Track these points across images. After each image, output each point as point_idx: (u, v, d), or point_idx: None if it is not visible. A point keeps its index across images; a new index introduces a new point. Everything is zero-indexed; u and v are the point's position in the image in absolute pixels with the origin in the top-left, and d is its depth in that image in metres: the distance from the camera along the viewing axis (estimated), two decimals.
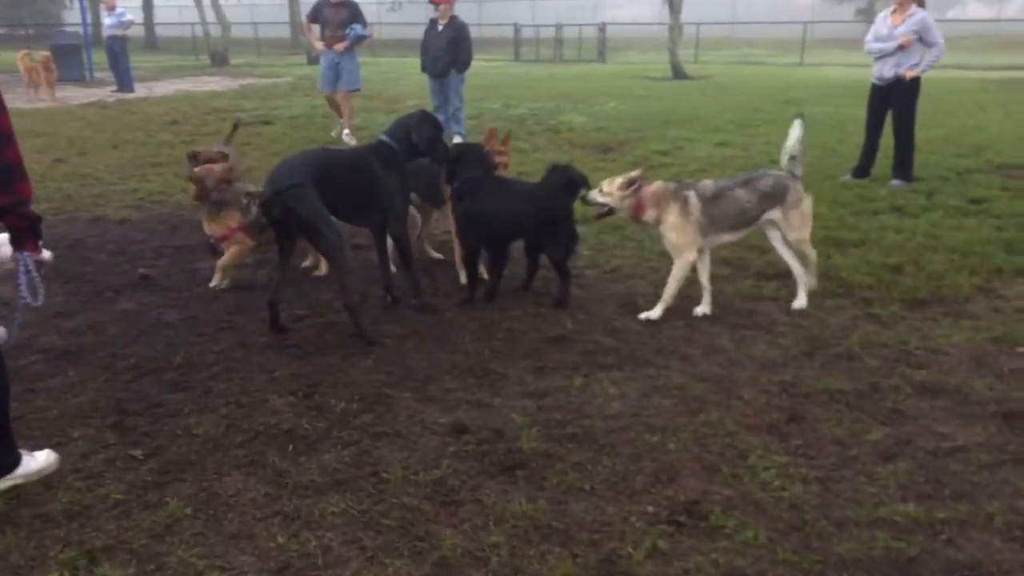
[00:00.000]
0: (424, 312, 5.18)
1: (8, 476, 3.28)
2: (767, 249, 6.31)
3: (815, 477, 3.33)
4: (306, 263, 6.11)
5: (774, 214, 5.12)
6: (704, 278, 5.20)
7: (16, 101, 16.73)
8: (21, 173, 2.90)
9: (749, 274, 5.96)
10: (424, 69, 12.31)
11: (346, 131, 12.12)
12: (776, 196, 5.09)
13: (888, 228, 6.94)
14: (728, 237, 5.20)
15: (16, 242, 3.11)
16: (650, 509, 3.13)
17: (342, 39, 11.88)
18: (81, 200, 8.48)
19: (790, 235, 5.14)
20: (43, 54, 18.96)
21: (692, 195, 5.00)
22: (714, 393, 4.07)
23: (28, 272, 3.22)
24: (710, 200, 4.99)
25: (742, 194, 5.05)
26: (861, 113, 15.05)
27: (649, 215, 5.07)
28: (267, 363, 4.49)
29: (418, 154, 5.27)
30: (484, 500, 3.20)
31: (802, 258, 5.24)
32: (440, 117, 12.23)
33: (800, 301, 5.23)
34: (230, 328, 5.03)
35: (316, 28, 12.30)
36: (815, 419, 3.80)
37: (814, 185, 8.59)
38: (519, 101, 17.11)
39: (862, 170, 8.95)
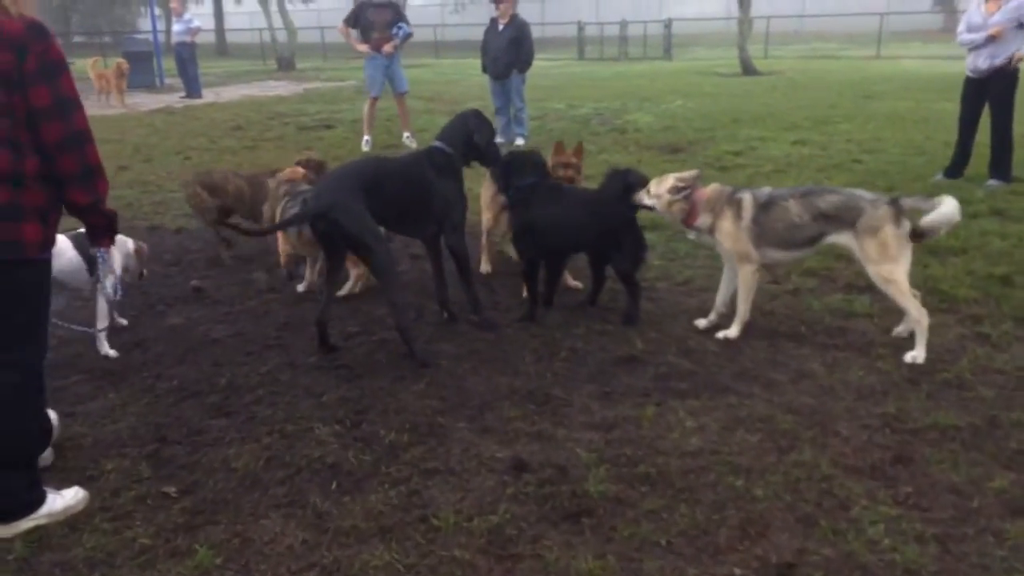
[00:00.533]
0: (486, 330, 4.83)
1: (31, 516, 3.04)
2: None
3: (931, 535, 2.86)
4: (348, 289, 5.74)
5: (842, 238, 4.36)
6: (721, 296, 4.71)
7: (87, 108, 16.96)
8: (101, 172, 2.98)
9: (838, 287, 5.45)
10: (485, 70, 12.00)
11: (407, 132, 11.85)
12: (842, 218, 4.30)
13: (991, 234, 6.33)
14: (778, 255, 4.54)
15: (94, 238, 3.24)
16: (737, 572, 2.71)
17: (389, 39, 11.42)
18: (140, 208, 8.38)
19: (868, 268, 4.32)
20: (118, 61, 19.27)
21: (747, 198, 4.53)
22: (806, 427, 3.62)
23: (105, 266, 3.67)
24: (762, 207, 4.47)
25: (794, 207, 4.39)
26: (946, 107, 14.32)
27: (703, 221, 4.62)
28: (314, 385, 4.20)
29: (477, 156, 4.93)
30: (545, 555, 2.82)
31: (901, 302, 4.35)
32: (501, 119, 12.00)
33: (903, 328, 4.58)
34: (278, 346, 4.75)
35: (355, 32, 11.67)
36: (925, 461, 3.32)
37: (904, 187, 8.04)
38: (583, 101, 16.68)
39: (955, 169, 8.30)
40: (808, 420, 3.68)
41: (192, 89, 19.68)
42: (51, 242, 2.96)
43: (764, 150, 10.59)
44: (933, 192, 7.59)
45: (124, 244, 4.83)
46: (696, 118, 13.66)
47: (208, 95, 20.00)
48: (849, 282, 5.48)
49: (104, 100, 18.43)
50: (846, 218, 4.30)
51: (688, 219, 4.66)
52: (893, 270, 4.21)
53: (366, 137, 11.55)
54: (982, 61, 7.74)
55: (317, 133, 13.31)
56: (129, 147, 12.14)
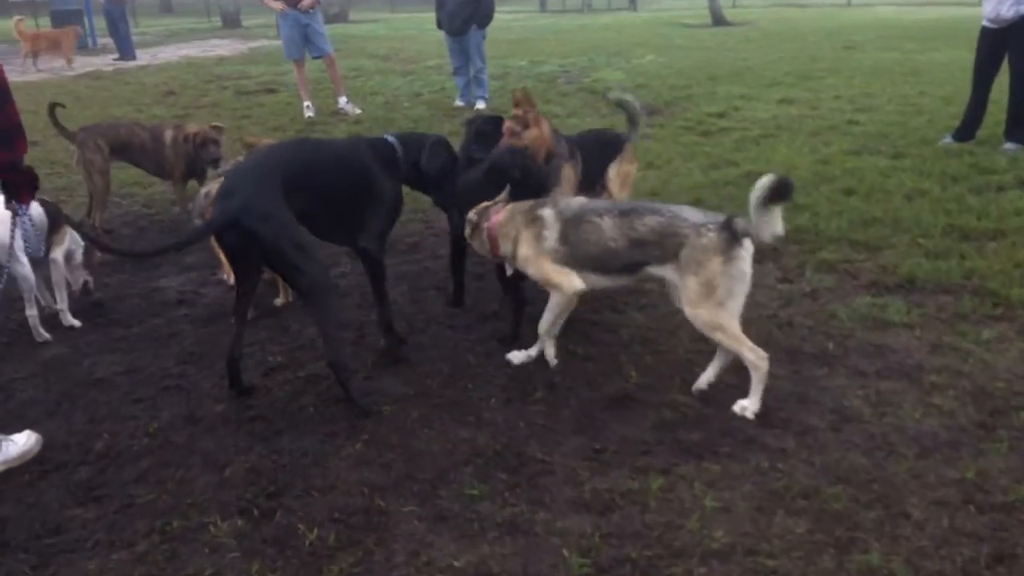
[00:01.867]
0: (390, 357, 3.92)
1: None
2: (879, 246, 4.93)
3: None
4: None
5: (664, 271, 3.41)
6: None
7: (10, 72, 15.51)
8: (20, 131, 2.98)
9: (861, 284, 4.56)
10: (440, 26, 10.85)
11: (343, 98, 10.63)
12: (663, 246, 3.36)
13: None
14: (599, 280, 3.61)
15: (14, 195, 3.13)
16: None
17: None
18: (40, 192, 7.22)
19: (686, 310, 3.35)
20: (73, 27, 17.93)
21: (549, 214, 3.63)
22: (864, 506, 2.73)
23: (24, 223, 3.50)
24: (569, 223, 3.57)
25: (608, 226, 3.46)
26: (933, 58, 13.45)
27: (505, 250, 3.73)
28: (217, 451, 3.23)
29: (418, 182, 4.02)
30: None
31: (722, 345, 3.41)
32: (460, 81, 10.89)
33: (706, 377, 3.53)
34: (178, 388, 3.76)
35: None
36: None
37: (909, 152, 7.18)
38: (547, 57, 15.55)
39: (966, 130, 7.41)
40: (865, 493, 2.79)
41: (124, 50, 18.19)
42: None
43: (748, 111, 9.64)
44: (946, 159, 6.83)
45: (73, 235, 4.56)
46: (670, 75, 12.64)
47: (143, 56, 18.51)
48: (875, 279, 4.59)
49: (31, 65, 16.93)
50: (667, 246, 3.35)
51: (493, 252, 3.79)
52: (718, 314, 3.29)
53: (307, 103, 10.38)
54: (1006, 8, 6.80)
55: (257, 98, 12.10)
56: (43, 119, 10.77)
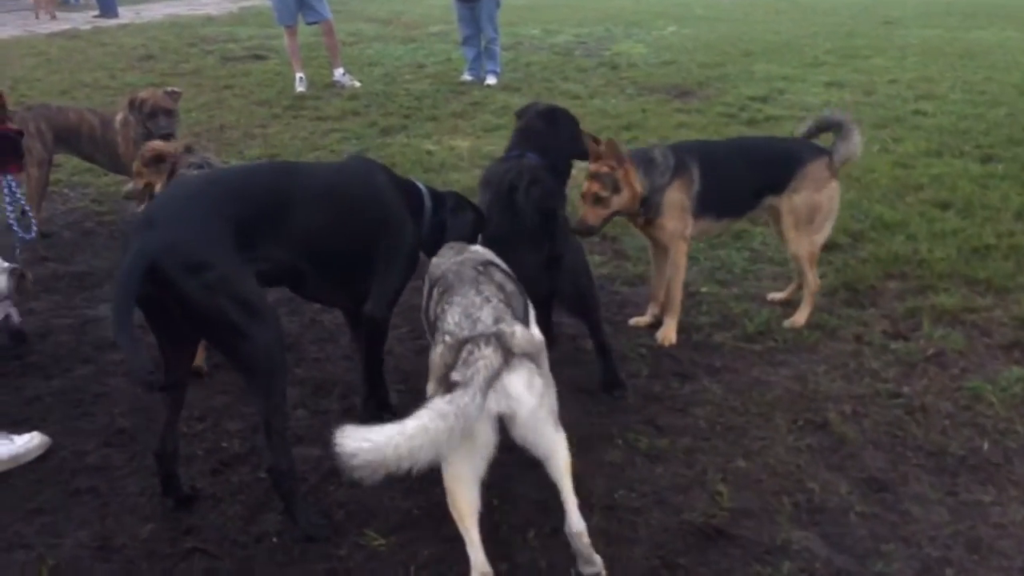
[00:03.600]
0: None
1: None
2: (1005, 286, 3.86)
3: None
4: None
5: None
6: None
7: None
8: None
9: (998, 345, 3.52)
10: None
11: (340, 70, 9.46)
12: None
13: None
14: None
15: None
16: None
17: None
18: None
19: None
20: None
21: None
22: None
23: (14, 197, 3.19)
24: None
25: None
26: (981, 37, 12.31)
27: None
28: None
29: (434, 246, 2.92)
30: None
31: None
32: (470, 52, 9.71)
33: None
34: (93, 493, 2.72)
35: None
36: None
37: (998, 154, 6.11)
38: (561, 26, 14.34)
39: None
40: None
41: (106, 7, 16.89)
42: None
43: (794, 95, 8.54)
44: None
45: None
46: (698, 50, 11.49)
47: (126, 14, 17.21)
48: (1014, 338, 3.56)
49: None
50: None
51: None
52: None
53: (299, 75, 9.23)
54: None
55: (244, 66, 10.95)
56: (6, 83, 9.70)
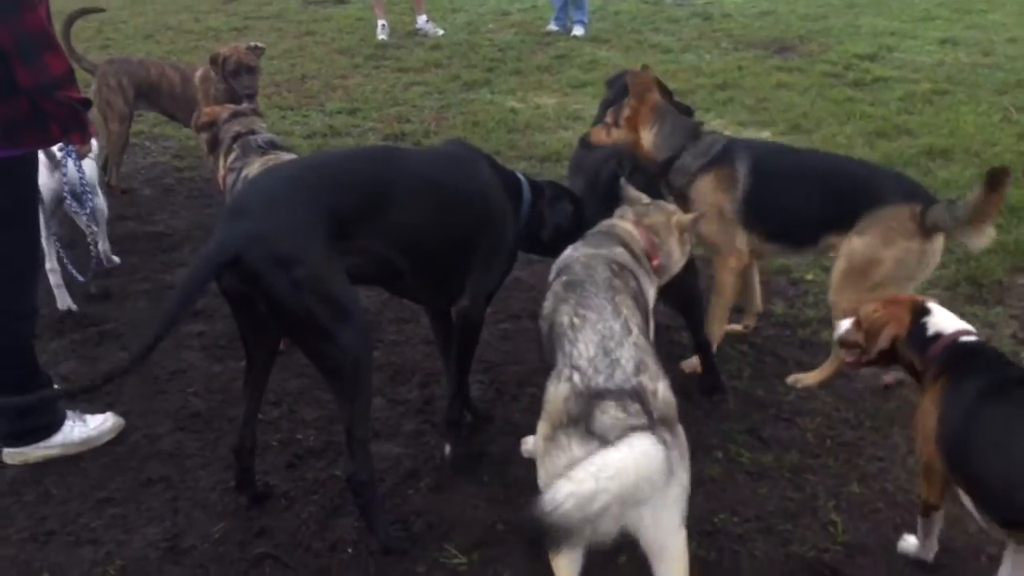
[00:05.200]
0: (461, 465, 2.67)
1: (42, 444, 2.68)
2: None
3: None
4: None
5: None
6: None
7: None
8: (48, 44, 2.35)
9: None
10: None
11: (423, 17, 9.17)
12: None
13: None
14: None
15: (60, 134, 2.52)
16: None
17: None
18: None
19: None
20: None
21: None
22: None
23: (79, 175, 2.88)
24: None
25: None
26: None
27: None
28: None
29: (531, 240, 2.75)
30: None
31: None
32: (556, 2, 9.34)
33: None
34: (165, 483, 2.63)
35: None
36: None
37: None
38: None
39: None
40: None
41: None
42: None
43: (905, 53, 7.92)
44: None
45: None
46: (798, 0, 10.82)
47: None
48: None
49: None
50: None
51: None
52: None
53: (381, 22, 8.99)
54: None
55: (325, 10, 10.76)
56: (91, 28, 9.72)
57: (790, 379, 3.05)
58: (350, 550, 2.33)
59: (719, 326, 3.12)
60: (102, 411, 2.86)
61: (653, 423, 1.67)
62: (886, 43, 8.29)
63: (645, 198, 2.52)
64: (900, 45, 8.24)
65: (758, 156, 2.97)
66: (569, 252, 2.24)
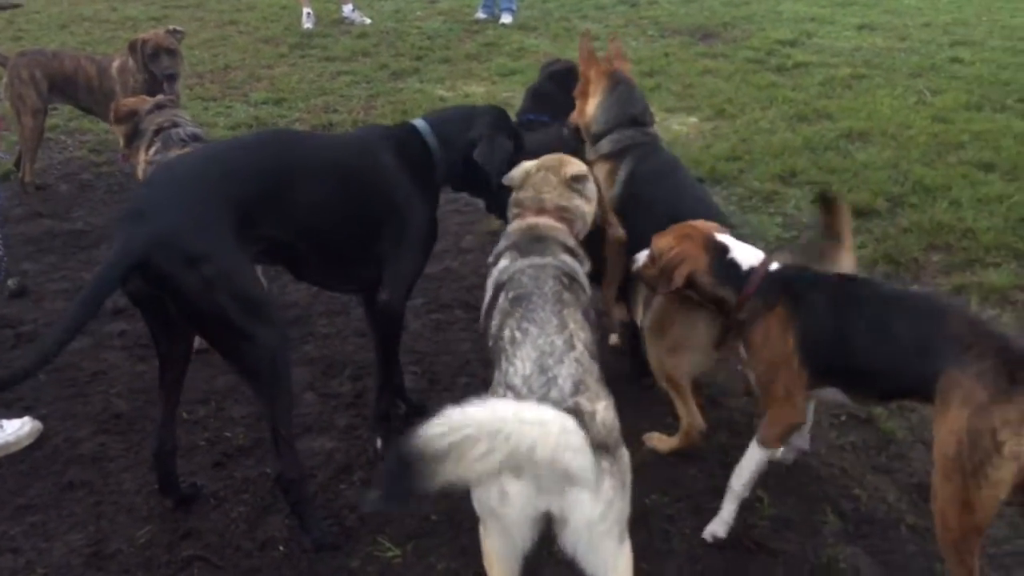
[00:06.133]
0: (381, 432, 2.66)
1: None
2: None
3: None
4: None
5: None
6: None
7: None
8: None
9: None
10: None
11: (349, 5, 9.01)
12: None
13: None
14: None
15: None
16: None
17: None
18: None
19: None
20: None
21: None
22: None
23: None
24: None
25: None
26: None
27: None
28: None
29: (468, 184, 2.70)
30: None
31: None
32: None
33: None
34: (87, 488, 2.55)
35: None
36: None
37: None
38: None
39: None
40: None
41: None
42: None
43: (824, 38, 8.12)
44: None
45: None
46: None
47: None
48: None
49: None
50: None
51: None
52: None
53: (307, 10, 8.82)
54: None
55: None
56: (1, 18, 9.32)
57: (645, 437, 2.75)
58: (282, 548, 2.31)
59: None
60: (19, 415, 2.76)
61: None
62: (806, 29, 8.49)
63: (516, 176, 2.39)
64: (820, 31, 8.44)
65: (639, 162, 2.80)
66: (509, 264, 2.10)
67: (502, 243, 2.21)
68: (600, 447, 1.57)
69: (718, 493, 2.47)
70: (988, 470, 1.78)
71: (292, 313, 3.51)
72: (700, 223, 2.35)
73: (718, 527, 2.32)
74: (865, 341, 2.04)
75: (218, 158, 2.28)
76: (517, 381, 1.67)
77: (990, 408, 1.79)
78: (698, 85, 6.57)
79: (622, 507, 1.64)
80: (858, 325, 2.06)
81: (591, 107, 2.92)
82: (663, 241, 2.29)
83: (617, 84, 2.91)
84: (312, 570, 2.24)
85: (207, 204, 2.07)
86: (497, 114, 2.72)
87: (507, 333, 1.81)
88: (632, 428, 2.74)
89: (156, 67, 4.38)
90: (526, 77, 6.85)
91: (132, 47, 4.44)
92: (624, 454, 1.68)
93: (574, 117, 3.02)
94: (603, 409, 1.65)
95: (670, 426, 2.77)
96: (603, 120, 2.89)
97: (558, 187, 2.32)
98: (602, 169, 2.82)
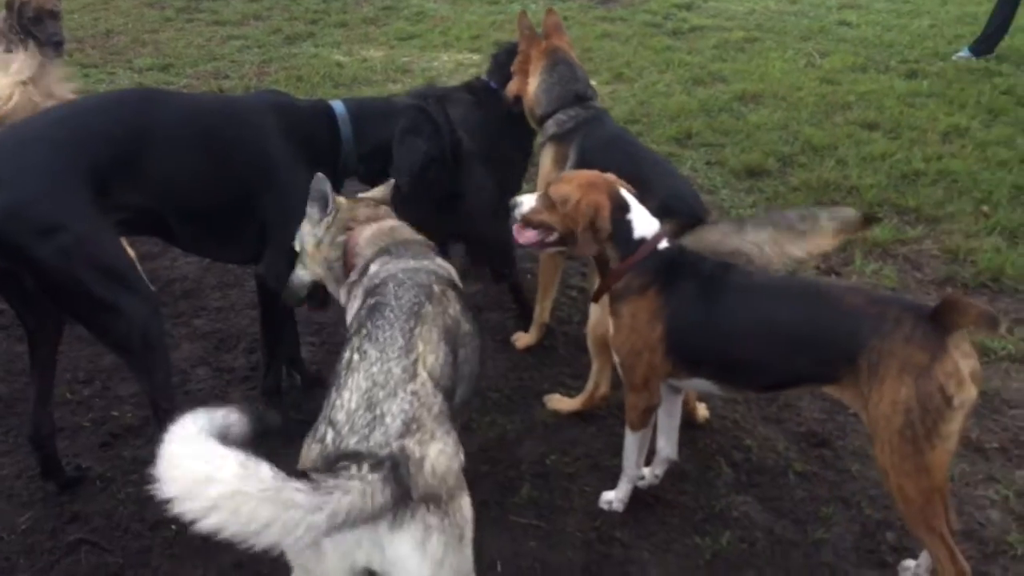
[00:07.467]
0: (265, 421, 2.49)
1: None
2: (935, 216, 3.76)
3: None
4: None
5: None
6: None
7: None
8: None
9: (930, 280, 3.46)
10: None
11: None
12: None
13: None
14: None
15: None
16: None
17: None
18: None
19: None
20: None
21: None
22: None
23: None
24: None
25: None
26: None
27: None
28: None
29: (375, 179, 2.46)
30: None
31: None
32: None
33: None
34: None
35: None
36: None
37: (924, 69, 6.02)
38: None
39: (987, 43, 6.28)
40: None
41: None
42: None
43: (719, 2, 8.24)
44: (975, 82, 5.72)
45: None
46: None
47: None
48: (947, 274, 3.50)
49: None
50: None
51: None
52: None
53: None
54: None
55: None
56: None
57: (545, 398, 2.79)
58: (174, 527, 2.23)
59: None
60: None
61: (405, 500, 1.38)
62: None
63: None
64: None
65: (586, 137, 2.77)
66: (379, 268, 1.91)
67: (367, 251, 1.98)
68: (427, 499, 1.41)
69: (616, 451, 2.51)
70: (940, 427, 1.77)
71: (182, 286, 3.39)
72: (606, 174, 2.19)
73: (616, 503, 2.32)
74: (745, 333, 1.97)
75: (68, 121, 2.12)
76: (340, 417, 1.48)
77: (932, 367, 1.76)
78: (597, 49, 6.59)
79: (458, 564, 1.47)
80: (737, 317, 1.98)
81: (532, 87, 2.90)
82: (565, 187, 2.12)
83: (557, 63, 2.89)
84: (205, 548, 2.17)
85: (56, 169, 1.96)
86: (415, 114, 2.56)
87: (347, 354, 1.62)
88: (533, 389, 2.79)
89: (40, 32, 4.10)
90: (425, 41, 6.76)
91: (9, 6, 4.14)
92: (463, 504, 1.50)
93: (511, 90, 3.01)
94: (435, 454, 1.46)
95: (570, 387, 2.80)
96: (546, 101, 2.86)
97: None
98: (551, 152, 2.79)
